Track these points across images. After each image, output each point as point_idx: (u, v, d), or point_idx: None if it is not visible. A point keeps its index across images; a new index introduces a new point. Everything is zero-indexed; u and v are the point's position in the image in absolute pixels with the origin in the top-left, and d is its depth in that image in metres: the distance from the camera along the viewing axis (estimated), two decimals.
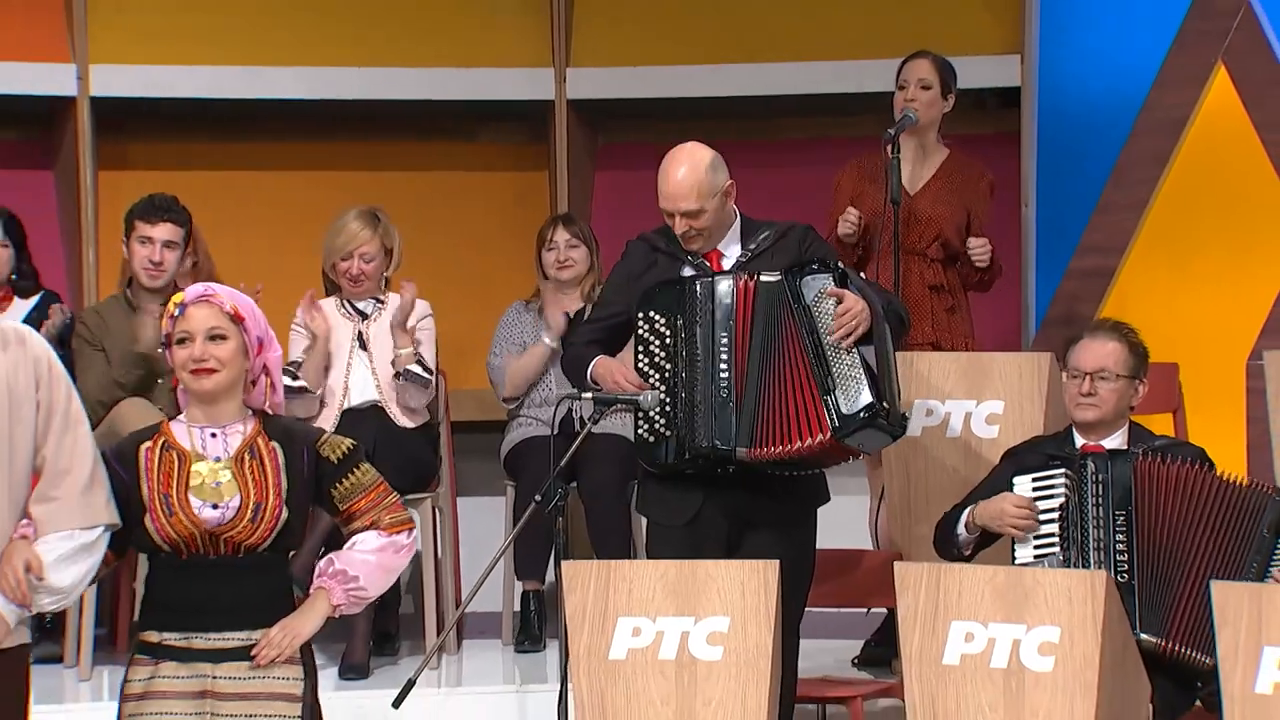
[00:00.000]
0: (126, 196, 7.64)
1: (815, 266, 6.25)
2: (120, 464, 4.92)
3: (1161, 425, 7.31)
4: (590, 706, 5.99)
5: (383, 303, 7.60)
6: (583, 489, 7.32)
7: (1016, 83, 8.56)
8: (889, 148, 7.36)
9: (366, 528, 4.99)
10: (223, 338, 4.91)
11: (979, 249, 7.42)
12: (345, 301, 7.62)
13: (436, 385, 7.79)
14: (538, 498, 6.36)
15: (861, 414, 6.12)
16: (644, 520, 6.60)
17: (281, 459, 4.94)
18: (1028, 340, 8.31)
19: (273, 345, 5.04)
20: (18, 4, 8.69)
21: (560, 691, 6.12)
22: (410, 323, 7.54)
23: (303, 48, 8.85)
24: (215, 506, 4.86)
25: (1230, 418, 7.65)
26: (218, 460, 4.90)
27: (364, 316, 7.60)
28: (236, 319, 4.94)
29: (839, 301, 6.14)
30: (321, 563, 5.02)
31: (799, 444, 6.15)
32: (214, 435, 4.93)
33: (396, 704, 6.02)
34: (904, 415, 6.27)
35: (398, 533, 5.00)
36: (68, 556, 4.71)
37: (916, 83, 7.58)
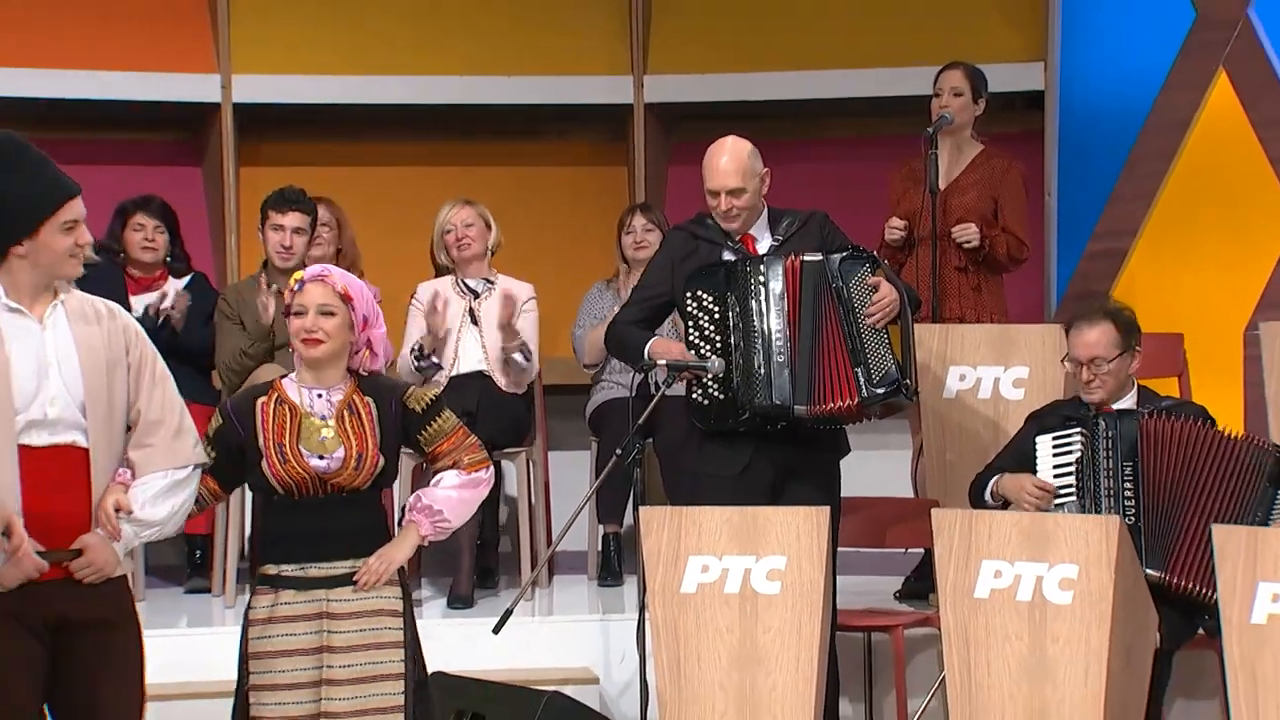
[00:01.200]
0: (262, 190, 7.63)
1: (855, 253, 6.28)
2: (237, 417, 4.96)
3: (1167, 389, 7.28)
4: (665, 634, 6.01)
5: (492, 283, 7.62)
6: (657, 444, 7.33)
7: (1040, 87, 8.52)
8: (927, 143, 7.36)
9: (449, 467, 5.02)
10: (331, 313, 4.94)
11: (962, 232, 7.39)
12: (460, 281, 7.64)
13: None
14: (618, 451, 6.39)
15: (886, 387, 6.19)
16: (701, 472, 6.57)
17: (375, 412, 4.96)
18: (1050, 313, 8.28)
19: (378, 323, 5.05)
20: (170, 23, 8.72)
21: (638, 620, 6.16)
22: (519, 306, 7.60)
23: (414, 59, 8.85)
24: (322, 457, 4.89)
25: (1229, 382, 7.61)
26: (323, 418, 4.92)
27: (475, 295, 7.61)
28: (346, 298, 4.96)
29: (875, 288, 6.18)
30: (411, 499, 5.07)
31: (834, 405, 6.20)
32: (319, 395, 4.96)
33: (496, 630, 6.12)
34: (915, 388, 6.32)
35: (476, 470, 5.03)
36: (162, 493, 4.69)
37: (950, 90, 7.54)
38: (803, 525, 5.98)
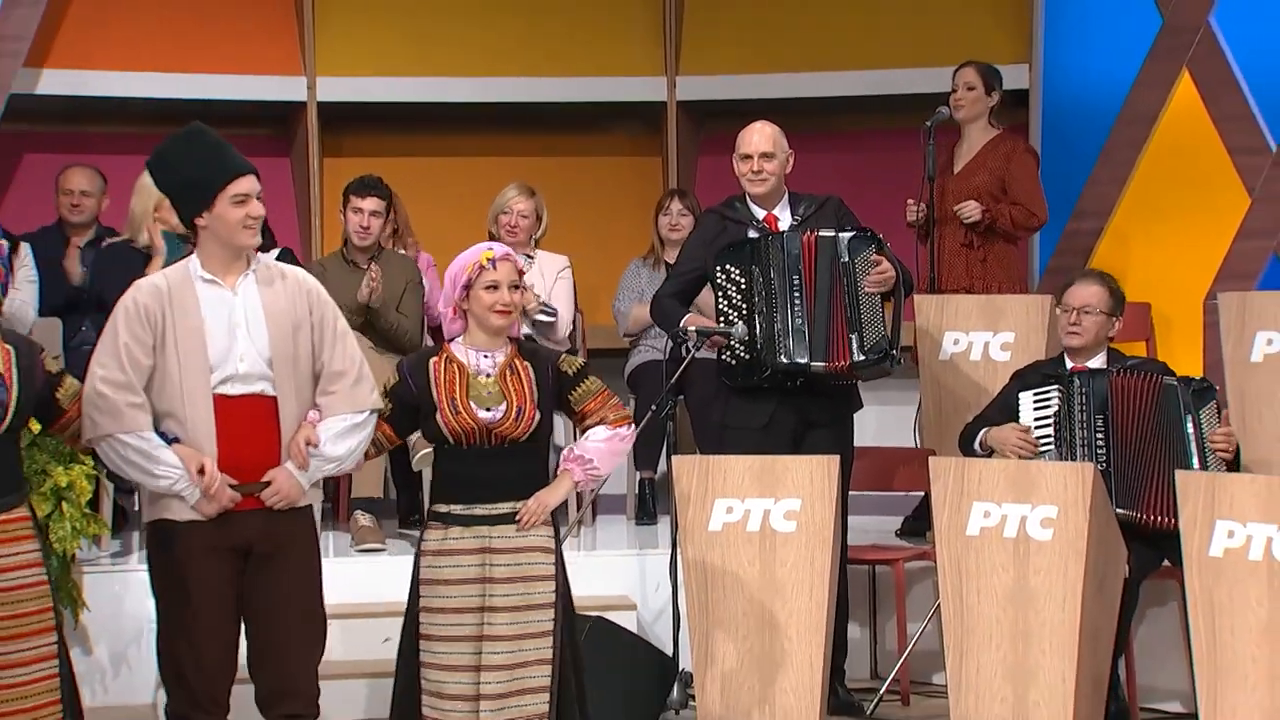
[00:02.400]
0: (343, 178, 7.65)
1: (862, 233, 6.29)
2: (411, 375, 4.95)
3: (1135, 351, 7.27)
4: (694, 566, 6.03)
5: (531, 258, 7.59)
6: (688, 401, 7.34)
7: (1025, 86, 8.48)
8: (925, 136, 7.35)
9: (597, 423, 5.00)
10: (518, 287, 4.96)
11: (963, 209, 7.39)
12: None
13: (576, 322, 7.84)
14: (654, 407, 6.41)
15: (875, 354, 6.20)
16: (726, 424, 6.57)
17: (532, 374, 4.95)
18: (1034, 285, 8.26)
19: (528, 293, 5.06)
20: (261, 31, 8.74)
21: (671, 555, 6.19)
22: (551, 275, 7.58)
23: (476, 62, 8.85)
24: (488, 410, 4.87)
25: (1191, 346, 7.59)
26: (488, 376, 4.92)
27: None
28: (521, 275, 5.00)
29: (877, 264, 6.20)
30: (565, 450, 5.05)
31: (831, 364, 6.22)
32: (485, 357, 4.94)
33: None
34: (899, 358, 6.32)
35: (619, 426, 5.01)
36: (342, 433, 4.77)
37: (964, 85, 7.54)
38: (815, 472, 5.99)
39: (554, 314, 7.51)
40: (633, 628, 6.42)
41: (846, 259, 6.24)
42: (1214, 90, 7.88)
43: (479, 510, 4.88)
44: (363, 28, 8.83)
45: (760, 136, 6.34)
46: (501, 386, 4.91)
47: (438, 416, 4.88)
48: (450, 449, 4.93)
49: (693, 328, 6.32)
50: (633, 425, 5.10)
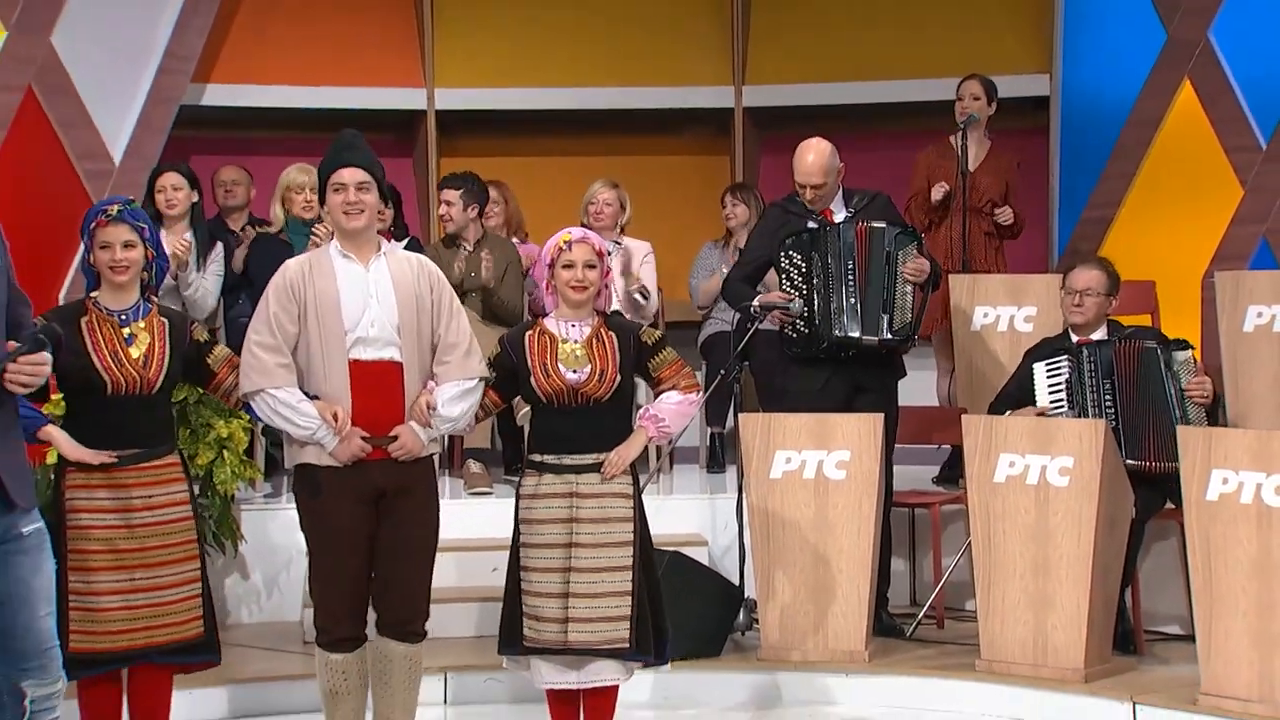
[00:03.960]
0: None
1: (908, 230, 6.28)
2: (510, 347, 4.93)
3: (1141, 323, 7.19)
4: (757, 510, 6.05)
5: (619, 244, 7.59)
6: (753, 367, 7.27)
7: (1046, 93, 8.41)
8: (958, 137, 7.30)
9: (670, 388, 4.96)
10: (592, 267, 4.91)
11: (1003, 215, 7.36)
12: None
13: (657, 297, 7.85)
14: (723, 371, 6.43)
15: (899, 335, 6.20)
16: (788, 388, 6.56)
17: (616, 343, 4.91)
18: (1052, 266, 8.19)
19: (611, 273, 5.04)
20: (388, 49, 8.76)
21: (737, 499, 6.21)
22: (638, 259, 7.57)
23: (570, 75, 8.83)
24: (575, 372, 4.86)
25: (1191, 319, 7.51)
26: (576, 342, 4.90)
27: (607, 253, 7.59)
28: (600, 255, 4.96)
29: (915, 259, 6.20)
30: (642, 409, 5.01)
31: (872, 339, 6.20)
32: (574, 326, 4.92)
33: None
34: (915, 341, 6.34)
35: (689, 393, 4.96)
36: (456, 397, 4.79)
37: (970, 95, 7.48)
38: (862, 428, 6.00)
39: (648, 296, 7.51)
40: (704, 561, 6.42)
41: (891, 249, 6.22)
42: (1212, 96, 7.81)
43: (568, 460, 4.86)
44: (474, 47, 8.84)
45: (811, 171, 6.24)
46: (588, 352, 4.89)
47: (531, 380, 4.88)
48: (544, 407, 4.91)
49: (756, 301, 6.32)
50: (701, 391, 5.06)
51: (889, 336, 6.20)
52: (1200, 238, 7.78)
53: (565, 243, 4.93)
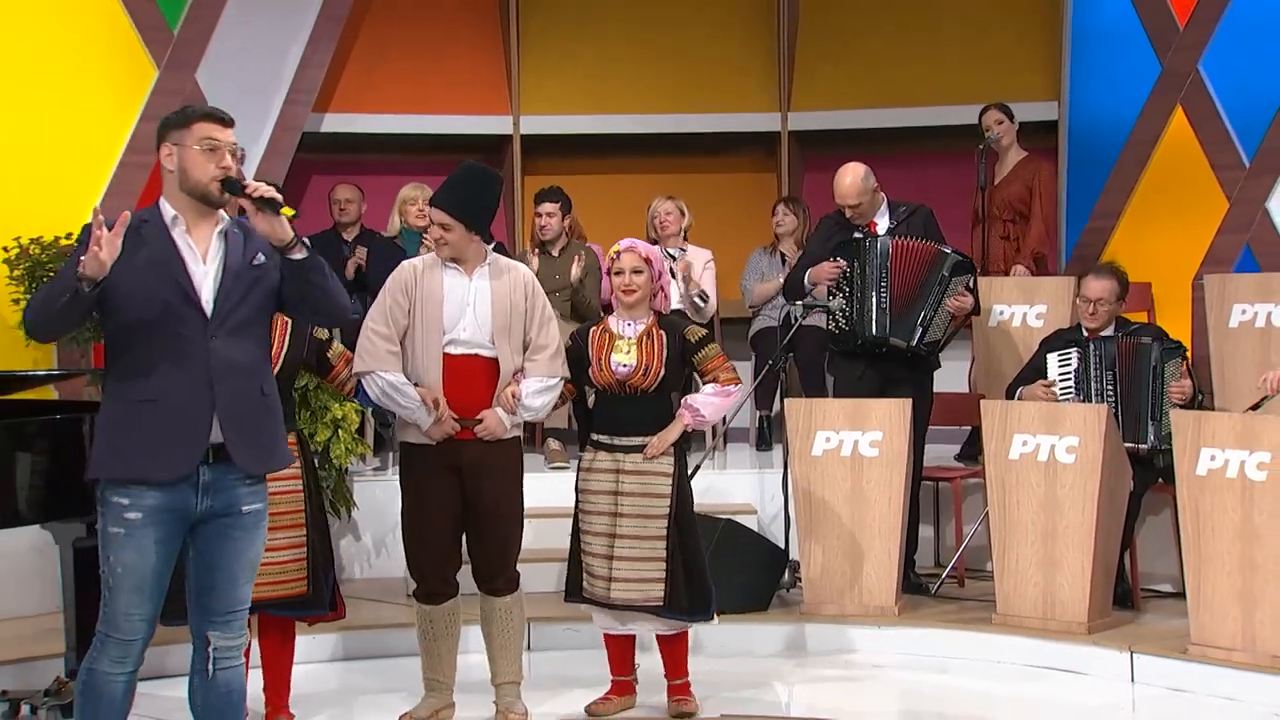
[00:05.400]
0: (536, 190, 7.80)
1: (965, 261, 6.23)
2: (579, 340, 5.00)
3: (1138, 319, 7.16)
4: (801, 482, 6.07)
5: (683, 250, 7.60)
6: (797, 358, 7.32)
7: (1055, 118, 8.35)
8: (979, 155, 7.29)
9: (711, 381, 4.98)
10: (639, 272, 4.94)
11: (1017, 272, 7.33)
12: (666, 251, 7.60)
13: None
14: (770, 362, 6.44)
15: (927, 348, 6.19)
16: (830, 377, 6.61)
17: (665, 340, 4.94)
18: (1061, 269, 8.13)
19: (664, 277, 5.04)
20: (479, 82, 8.74)
21: (783, 474, 6.22)
22: (700, 264, 7.55)
23: (635, 102, 8.76)
24: (624, 366, 4.90)
25: (1182, 317, 7.44)
26: (629, 339, 4.93)
27: (672, 258, 7.58)
28: (647, 261, 4.97)
29: (959, 295, 6.18)
30: (683, 400, 5.01)
31: (904, 345, 6.19)
32: (629, 324, 4.96)
33: (691, 476, 6.06)
34: (937, 360, 6.32)
35: (728, 385, 4.98)
36: (539, 391, 4.82)
37: (994, 121, 7.48)
38: (893, 412, 6.01)
39: (706, 299, 7.51)
40: (754, 528, 6.42)
41: (945, 273, 6.19)
42: (1201, 120, 7.74)
43: (618, 441, 4.92)
44: (553, 80, 8.82)
45: (847, 194, 6.24)
46: (637, 349, 4.92)
47: (590, 371, 4.94)
48: (601, 394, 4.98)
49: (799, 303, 6.33)
50: (739, 385, 5.05)
51: (915, 345, 6.18)
52: (1191, 244, 7.71)
53: (615, 253, 4.98)
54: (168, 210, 3.75)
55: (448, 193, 4.82)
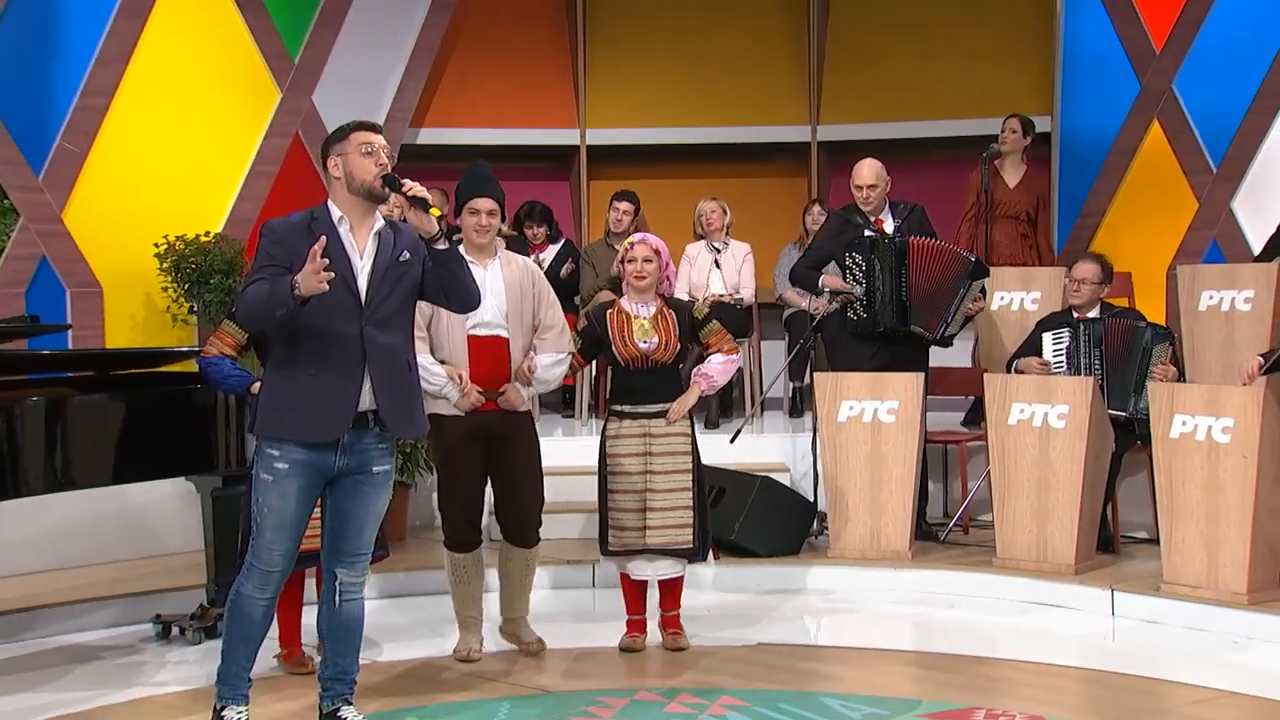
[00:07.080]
0: (603, 195, 7.80)
1: (981, 268, 6.15)
2: (595, 321, 4.95)
3: (1121, 304, 7.13)
4: (828, 444, 6.05)
5: (726, 244, 7.56)
6: (824, 338, 7.25)
7: (1049, 130, 8.30)
8: (983, 163, 7.24)
9: (716, 351, 4.94)
10: (649, 261, 4.91)
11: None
12: (709, 244, 7.61)
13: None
14: (801, 341, 6.45)
15: (941, 339, 6.14)
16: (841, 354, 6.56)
17: (674, 318, 4.91)
18: (1054, 261, 8.13)
19: (670, 266, 5.00)
20: (550, 99, 8.78)
21: (812, 437, 6.21)
22: (739, 257, 7.49)
23: (685, 116, 8.78)
24: (646, 342, 4.87)
25: (1158, 301, 7.42)
26: (645, 319, 4.92)
27: (718, 251, 7.58)
28: (656, 252, 4.94)
29: (978, 300, 6.18)
30: (696, 368, 4.95)
31: (925, 334, 6.15)
32: (642, 306, 4.93)
33: (732, 440, 6.15)
34: (949, 341, 6.25)
35: (731, 355, 4.95)
36: (550, 365, 4.76)
37: (1010, 129, 7.39)
38: (907, 384, 6.00)
39: (741, 299, 7.46)
40: (787, 483, 6.42)
41: (966, 279, 6.13)
42: (1175, 132, 7.69)
43: (641, 409, 4.85)
44: (616, 96, 8.84)
45: (868, 172, 6.21)
46: (654, 326, 4.88)
47: (613, 348, 4.88)
48: (621, 369, 4.91)
49: (828, 288, 6.32)
50: (739, 355, 4.99)
51: (938, 337, 6.16)
52: (1165, 239, 7.67)
53: (629, 244, 4.95)
54: (334, 211, 3.81)
55: (489, 184, 4.76)
